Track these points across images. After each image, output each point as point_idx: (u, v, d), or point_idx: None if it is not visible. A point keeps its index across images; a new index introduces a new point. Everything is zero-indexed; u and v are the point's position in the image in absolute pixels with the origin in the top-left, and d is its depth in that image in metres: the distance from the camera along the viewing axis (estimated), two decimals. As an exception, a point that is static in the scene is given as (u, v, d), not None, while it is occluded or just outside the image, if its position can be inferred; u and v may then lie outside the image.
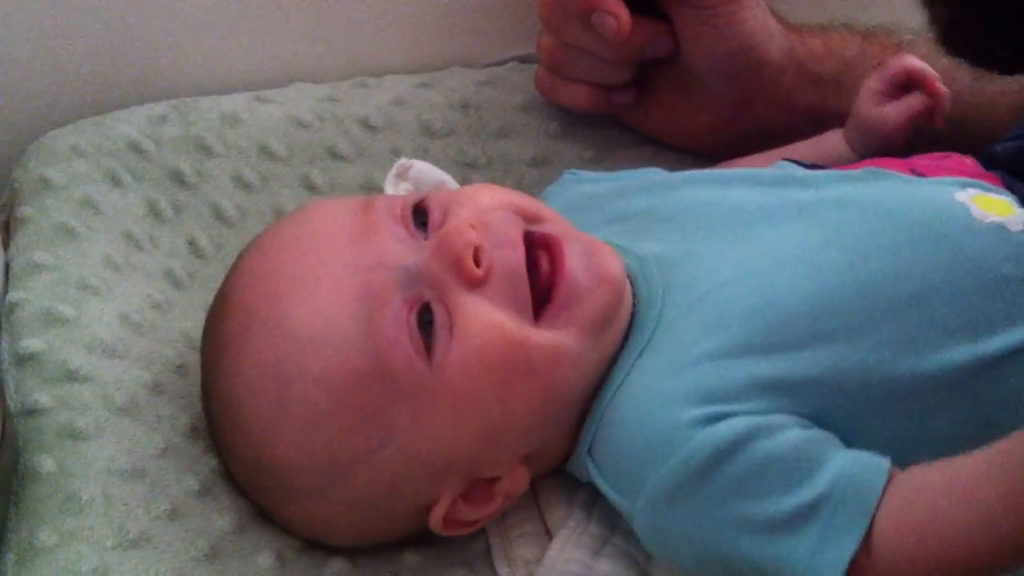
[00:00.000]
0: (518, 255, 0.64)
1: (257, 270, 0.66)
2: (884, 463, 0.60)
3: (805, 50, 0.85)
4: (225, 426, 0.66)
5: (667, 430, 0.61)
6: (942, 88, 0.76)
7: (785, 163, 0.75)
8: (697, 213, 0.70)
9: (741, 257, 0.66)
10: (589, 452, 0.66)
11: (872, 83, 0.78)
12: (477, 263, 0.63)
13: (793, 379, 0.62)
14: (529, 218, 0.67)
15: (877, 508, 0.58)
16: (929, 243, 0.65)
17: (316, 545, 0.67)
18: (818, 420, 0.62)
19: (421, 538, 0.68)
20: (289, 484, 0.65)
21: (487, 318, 0.62)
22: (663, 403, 0.62)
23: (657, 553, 0.65)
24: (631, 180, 0.77)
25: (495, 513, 0.67)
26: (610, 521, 0.68)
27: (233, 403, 0.65)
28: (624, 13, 0.79)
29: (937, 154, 0.74)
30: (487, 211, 0.65)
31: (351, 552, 0.68)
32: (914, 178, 0.70)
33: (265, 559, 0.65)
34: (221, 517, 0.66)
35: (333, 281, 0.63)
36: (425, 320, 0.62)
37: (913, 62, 0.76)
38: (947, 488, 0.57)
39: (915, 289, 0.64)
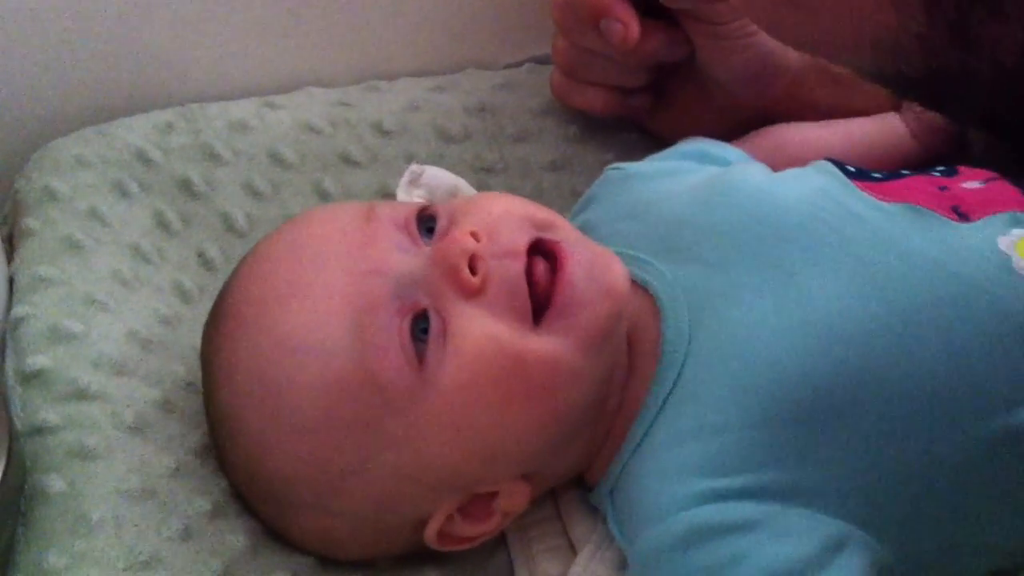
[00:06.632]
0: (519, 264, 0.62)
1: (253, 275, 0.66)
2: None
3: None
4: (223, 436, 0.66)
5: (665, 497, 0.62)
6: None
7: (828, 166, 0.72)
8: (738, 232, 0.67)
9: (778, 304, 0.64)
10: (610, 493, 0.66)
11: None
12: (473, 272, 0.61)
13: (819, 456, 0.61)
14: (541, 227, 0.65)
15: None
16: (970, 301, 0.63)
17: (331, 565, 0.66)
18: (839, 495, 0.61)
19: (442, 553, 0.67)
20: (284, 495, 0.64)
21: (482, 329, 0.61)
22: (675, 471, 0.62)
23: None
24: (675, 174, 0.75)
25: (493, 531, 0.66)
26: (634, 537, 0.66)
27: (227, 413, 0.64)
28: (633, 20, 0.78)
29: (982, 174, 0.72)
30: (496, 219, 0.64)
31: (369, 570, 0.67)
32: (956, 223, 0.67)
33: (280, 579, 0.65)
34: (234, 538, 0.65)
35: (326, 288, 0.62)
36: (421, 328, 0.61)
37: None
38: None
39: (955, 355, 0.62)
